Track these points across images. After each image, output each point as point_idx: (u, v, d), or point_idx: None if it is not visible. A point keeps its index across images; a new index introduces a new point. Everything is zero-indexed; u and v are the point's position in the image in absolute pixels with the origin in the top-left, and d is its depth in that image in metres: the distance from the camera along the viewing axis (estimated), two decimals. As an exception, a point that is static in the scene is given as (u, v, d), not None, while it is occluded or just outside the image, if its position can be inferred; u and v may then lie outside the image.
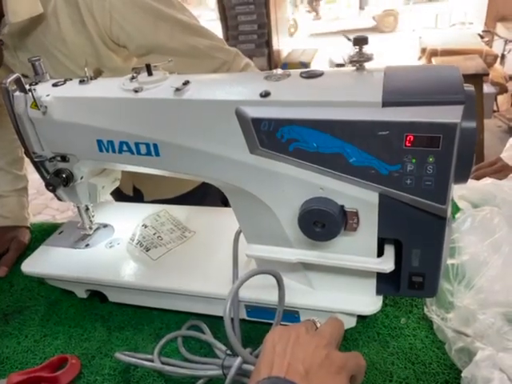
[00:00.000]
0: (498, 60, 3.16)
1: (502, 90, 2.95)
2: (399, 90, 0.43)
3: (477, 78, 2.22)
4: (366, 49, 0.47)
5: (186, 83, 0.51)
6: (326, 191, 0.48)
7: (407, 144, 0.42)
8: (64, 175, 0.62)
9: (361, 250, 0.51)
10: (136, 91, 0.52)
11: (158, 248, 0.68)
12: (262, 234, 0.55)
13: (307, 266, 0.55)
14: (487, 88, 2.65)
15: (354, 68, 0.48)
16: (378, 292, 0.55)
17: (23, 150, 0.63)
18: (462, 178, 0.44)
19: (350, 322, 0.57)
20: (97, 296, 0.70)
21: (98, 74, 0.78)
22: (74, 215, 0.80)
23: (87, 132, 0.56)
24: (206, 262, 0.65)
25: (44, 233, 0.89)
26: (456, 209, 0.72)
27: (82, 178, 0.64)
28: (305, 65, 3.50)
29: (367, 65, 0.48)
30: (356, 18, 6.61)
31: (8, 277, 0.80)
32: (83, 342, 0.64)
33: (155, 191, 1.04)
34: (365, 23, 6.18)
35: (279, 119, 0.46)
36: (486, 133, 2.55)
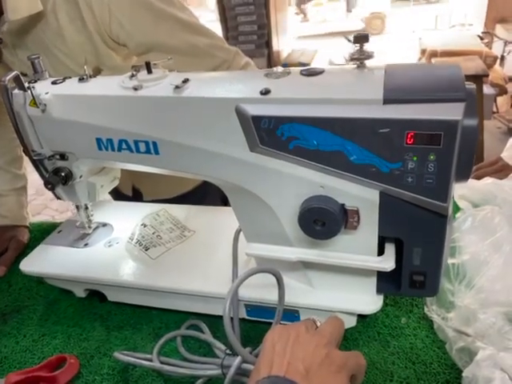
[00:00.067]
0: (498, 61, 3.16)
1: (502, 91, 2.95)
2: (400, 88, 0.43)
3: (477, 79, 2.23)
4: (367, 46, 0.47)
5: (186, 81, 0.51)
6: (327, 189, 0.47)
7: (408, 141, 0.42)
8: (63, 174, 0.62)
9: (361, 249, 0.50)
10: (135, 89, 0.52)
11: (157, 247, 0.68)
12: (261, 232, 0.55)
13: (307, 265, 0.55)
14: (487, 89, 2.65)
15: (355, 66, 0.48)
16: (379, 291, 0.55)
17: (22, 148, 0.62)
18: (463, 176, 0.44)
19: (351, 322, 0.57)
20: (96, 295, 0.69)
21: (97, 72, 0.78)
22: (73, 215, 0.80)
23: (86, 130, 0.56)
24: (205, 261, 0.65)
25: (43, 232, 0.88)
26: (456, 208, 0.71)
27: (81, 176, 0.64)
28: (304, 65, 3.50)
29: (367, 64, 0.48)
30: (343, 21, 6.64)
31: (6, 276, 0.79)
32: (82, 341, 0.64)
33: (154, 191, 1.04)
34: (352, 25, 6.20)
35: (279, 117, 0.46)
36: (485, 134, 2.55)
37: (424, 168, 0.42)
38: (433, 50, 3.05)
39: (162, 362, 0.55)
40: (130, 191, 1.06)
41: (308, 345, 0.40)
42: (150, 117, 0.52)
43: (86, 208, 0.71)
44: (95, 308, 0.69)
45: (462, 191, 0.75)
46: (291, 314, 0.58)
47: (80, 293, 0.69)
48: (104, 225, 0.76)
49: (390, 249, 0.51)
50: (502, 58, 3.34)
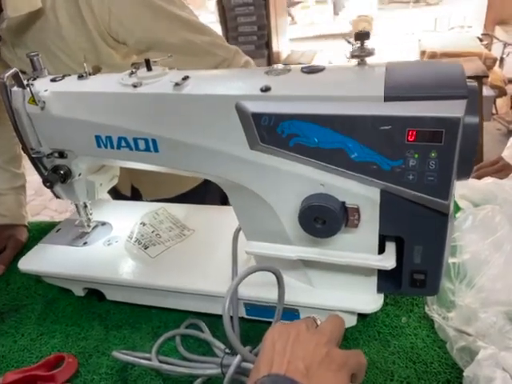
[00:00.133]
0: (497, 63, 3.16)
1: (501, 93, 2.96)
2: (401, 85, 0.43)
3: (476, 80, 2.22)
4: (368, 44, 0.47)
5: (186, 78, 0.51)
6: (327, 187, 0.47)
7: (409, 139, 0.42)
8: (62, 172, 0.61)
9: (362, 247, 0.50)
10: (135, 86, 0.52)
11: (156, 246, 0.68)
12: (261, 231, 0.55)
13: (307, 264, 0.55)
14: (486, 91, 2.65)
15: (356, 63, 0.48)
16: (379, 290, 0.54)
17: (21, 147, 0.62)
18: (464, 173, 0.44)
19: (351, 321, 0.57)
20: (94, 295, 0.69)
21: (96, 70, 0.77)
22: (72, 215, 0.79)
23: (85, 127, 0.55)
24: (204, 260, 0.65)
25: (42, 231, 0.88)
26: (457, 208, 0.71)
27: (79, 174, 0.64)
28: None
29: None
30: (331, 23, 6.67)
31: (5, 275, 0.79)
32: (80, 340, 0.63)
33: (153, 191, 1.04)
34: (340, 28, 6.23)
35: (280, 114, 0.45)
36: (485, 136, 2.55)
37: (425, 165, 0.42)
38: (432, 51, 3.05)
39: (160, 361, 0.55)
40: (128, 191, 1.05)
41: (308, 343, 0.40)
42: (149, 114, 0.52)
43: (85, 207, 0.71)
44: (94, 307, 0.69)
45: (462, 191, 0.75)
46: (291, 313, 0.57)
47: (79, 292, 0.69)
48: (103, 224, 0.76)
49: (390, 247, 0.50)
50: (502, 59, 3.35)
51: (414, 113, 0.41)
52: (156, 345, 0.57)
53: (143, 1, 0.72)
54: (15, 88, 0.56)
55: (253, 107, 0.46)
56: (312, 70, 0.48)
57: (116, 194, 1.05)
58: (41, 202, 2.86)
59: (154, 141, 0.53)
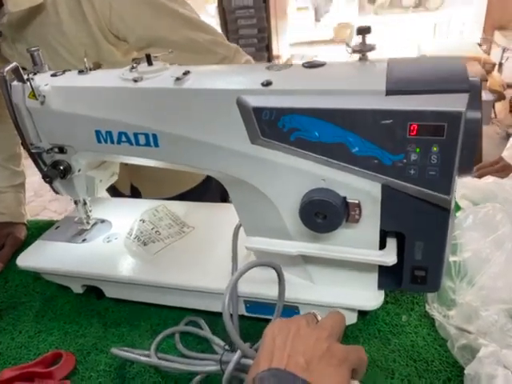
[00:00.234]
0: (496, 68, 3.17)
1: (500, 97, 2.96)
2: (403, 79, 0.43)
3: (476, 84, 2.23)
4: (369, 39, 0.47)
5: (187, 73, 0.51)
6: (328, 182, 0.47)
7: (411, 133, 0.42)
8: (61, 167, 0.61)
9: (363, 243, 0.50)
10: (135, 81, 0.51)
11: (156, 243, 0.67)
12: (261, 226, 0.55)
13: (307, 260, 0.55)
14: (485, 95, 2.65)
15: (357, 58, 0.48)
16: (380, 287, 0.54)
17: (21, 143, 0.62)
18: (465, 169, 0.44)
19: (351, 318, 0.56)
20: (93, 292, 0.68)
21: (97, 67, 0.77)
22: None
23: (85, 122, 0.55)
24: (204, 257, 0.64)
25: (40, 229, 0.87)
26: (457, 208, 0.71)
27: (79, 170, 0.63)
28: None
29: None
30: (312, 30, 6.70)
31: (3, 273, 0.78)
32: (78, 338, 0.63)
33: (153, 190, 1.03)
34: (321, 35, 6.26)
35: (281, 108, 0.45)
36: (484, 139, 2.55)
37: (427, 160, 0.42)
38: (431, 56, 3.06)
39: (159, 358, 0.54)
40: (128, 190, 1.05)
41: (309, 338, 0.39)
42: (149, 109, 0.52)
43: (85, 203, 0.70)
44: (92, 305, 0.68)
45: (463, 190, 0.74)
46: (291, 310, 0.57)
47: (77, 289, 0.69)
48: (102, 221, 0.75)
49: (391, 243, 0.50)
50: (501, 64, 3.36)
51: (416, 107, 0.41)
52: (155, 342, 0.57)
53: None
54: (15, 82, 0.56)
55: (254, 101, 0.46)
56: (313, 65, 0.48)
57: (115, 193, 1.05)
58: (40, 203, 2.86)
59: (154, 136, 0.53)
